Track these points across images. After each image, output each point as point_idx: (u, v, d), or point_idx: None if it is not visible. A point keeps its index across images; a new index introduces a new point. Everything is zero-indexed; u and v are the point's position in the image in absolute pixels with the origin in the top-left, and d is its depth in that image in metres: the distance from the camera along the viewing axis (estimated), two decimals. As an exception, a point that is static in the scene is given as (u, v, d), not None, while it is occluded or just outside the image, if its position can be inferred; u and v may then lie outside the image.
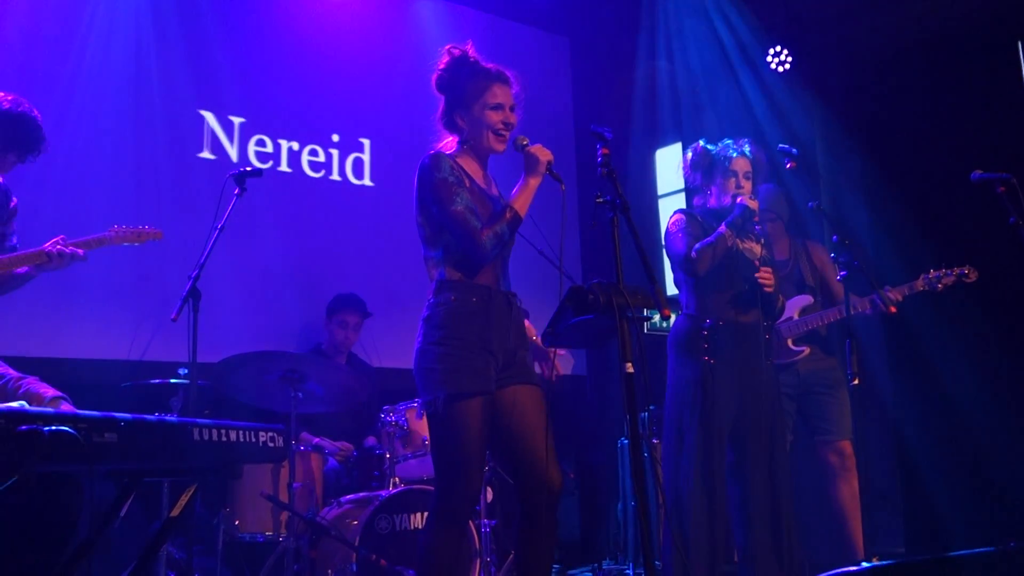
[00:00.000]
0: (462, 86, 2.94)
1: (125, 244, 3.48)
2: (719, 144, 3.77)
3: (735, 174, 3.64)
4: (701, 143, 3.79)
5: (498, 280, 2.90)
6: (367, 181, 5.66)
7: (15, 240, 3.38)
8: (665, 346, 3.67)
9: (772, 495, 3.44)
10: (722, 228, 3.50)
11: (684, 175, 3.83)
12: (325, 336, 4.98)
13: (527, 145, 2.87)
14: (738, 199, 3.56)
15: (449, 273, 2.86)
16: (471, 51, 2.98)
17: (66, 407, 2.50)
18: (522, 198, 2.86)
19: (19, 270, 3.28)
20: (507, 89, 2.94)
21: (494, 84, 2.92)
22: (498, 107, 2.90)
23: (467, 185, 2.85)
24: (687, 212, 3.73)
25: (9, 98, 3.19)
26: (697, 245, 3.48)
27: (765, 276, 3.56)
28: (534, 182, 2.86)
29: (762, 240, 3.74)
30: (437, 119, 3.05)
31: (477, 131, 2.92)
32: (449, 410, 2.74)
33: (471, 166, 2.95)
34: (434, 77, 3.02)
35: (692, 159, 3.76)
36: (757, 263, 3.61)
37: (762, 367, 3.54)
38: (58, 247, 3.24)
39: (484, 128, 2.91)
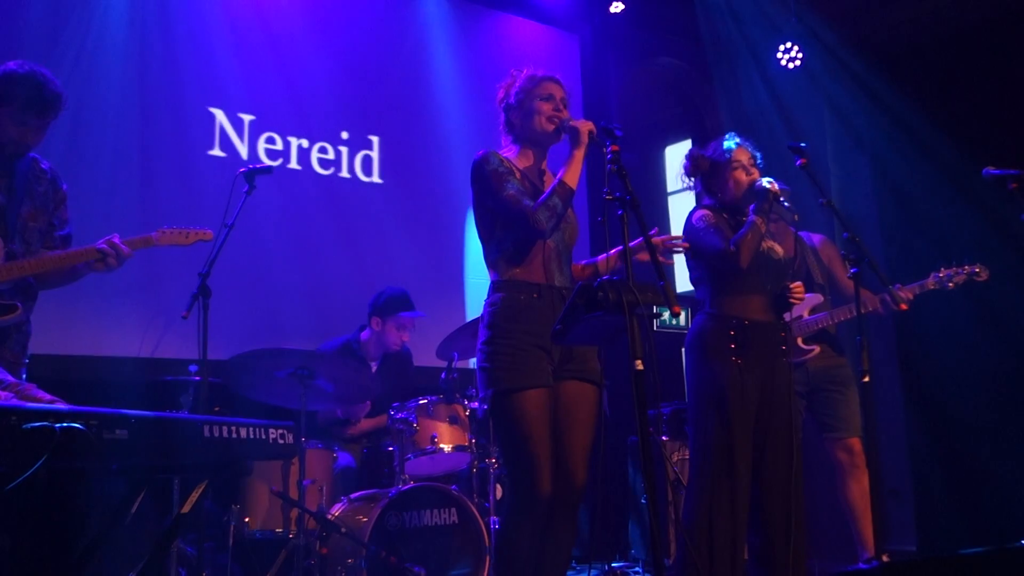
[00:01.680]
0: (516, 89, 3.10)
1: (172, 245, 3.43)
2: (708, 145, 3.71)
3: (740, 165, 3.57)
4: (692, 148, 3.74)
5: (552, 275, 2.97)
6: (376, 178, 5.66)
7: (68, 230, 3.33)
8: (674, 343, 3.64)
9: (789, 496, 3.40)
10: (752, 216, 3.42)
11: (685, 184, 3.76)
12: (367, 335, 4.87)
13: (571, 121, 2.98)
14: (756, 184, 3.49)
15: (500, 273, 2.98)
16: (527, 71, 3.16)
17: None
18: (570, 170, 2.94)
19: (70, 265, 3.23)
20: (557, 85, 3.09)
21: (543, 80, 3.08)
22: (549, 97, 3.04)
23: (517, 176, 2.98)
24: (711, 207, 3.63)
25: (14, 62, 3.12)
26: (734, 238, 3.41)
27: (798, 292, 3.52)
28: (578, 153, 2.94)
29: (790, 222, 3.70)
30: (501, 134, 3.18)
31: (528, 119, 3.05)
32: (499, 406, 2.86)
33: (526, 163, 3.08)
34: (497, 99, 3.18)
35: (688, 165, 3.69)
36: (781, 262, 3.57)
37: (783, 366, 3.50)
38: (108, 245, 3.20)
39: (534, 114, 3.03)
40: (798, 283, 3.53)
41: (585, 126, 2.92)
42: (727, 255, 3.38)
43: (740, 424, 3.36)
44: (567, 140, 2.98)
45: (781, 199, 3.44)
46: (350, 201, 5.57)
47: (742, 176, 3.55)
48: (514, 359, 2.84)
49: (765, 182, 3.46)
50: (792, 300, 3.49)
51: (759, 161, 3.67)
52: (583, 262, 3.19)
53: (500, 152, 3.08)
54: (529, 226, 2.88)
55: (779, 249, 3.60)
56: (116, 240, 3.18)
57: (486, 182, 2.95)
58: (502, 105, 3.14)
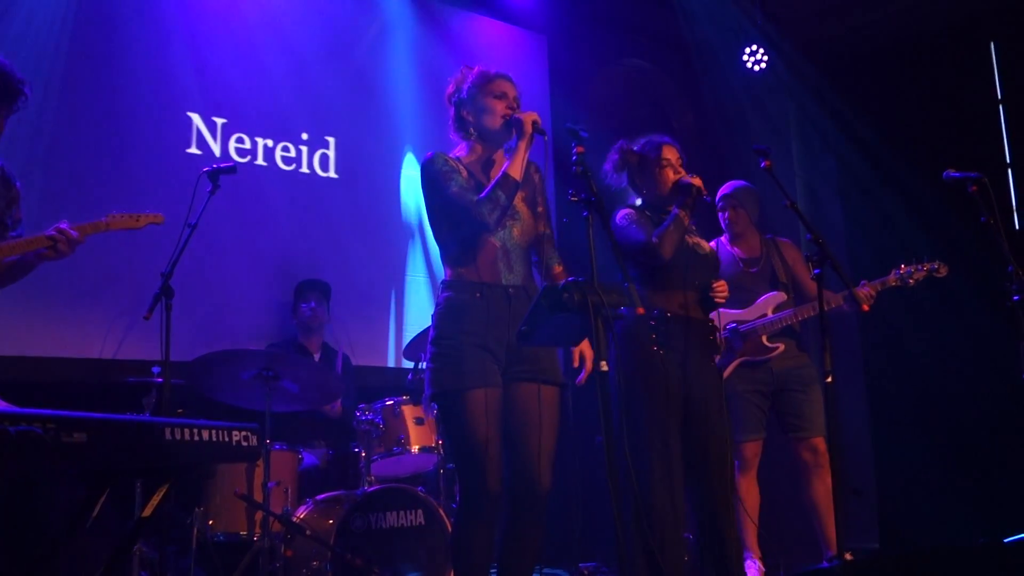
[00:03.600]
0: (468, 87, 3.08)
1: (123, 229, 3.34)
2: (637, 140, 3.69)
3: (669, 163, 3.57)
4: (621, 141, 3.70)
5: (499, 274, 2.96)
6: (332, 173, 5.74)
7: (21, 230, 3.23)
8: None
9: (718, 497, 3.38)
10: (675, 210, 3.42)
11: (608, 179, 3.69)
12: (296, 326, 4.99)
13: (516, 114, 2.97)
14: (681, 179, 3.48)
15: (449, 272, 2.99)
16: (479, 67, 3.14)
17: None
18: (513, 162, 2.92)
19: (16, 257, 3.14)
20: (510, 83, 3.08)
21: (496, 78, 3.07)
22: (502, 95, 3.04)
23: (464, 174, 2.98)
24: (634, 206, 3.63)
25: None
26: (656, 231, 3.40)
27: (720, 290, 3.49)
28: (522, 144, 2.94)
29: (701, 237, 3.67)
30: (450, 130, 3.16)
31: (481, 118, 3.04)
32: (443, 407, 2.88)
33: (475, 163, 3.07)
34: (446, 93, 3.16)
35: (618, 159, 3.66)
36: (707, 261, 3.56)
37: (710, 366, 3.49)
38: (57, 232, 3.12)
39: (488, 113, 3.03)
40: (721, 281, 3.52)
41: (529, 117, 2.91)
42: (649, 247, 3.37)
43: (663, 414, 3.31)
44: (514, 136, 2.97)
45: (704, 195, 3.47)
46: (309, 194, 5.60)
47: (670, 174, 3.55)
48: (456, 360, 2.84)
49: (690, 178, 3.47)
50: (716, 299, 3.48)
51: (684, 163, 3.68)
52: None
53: (451, 151, 3.09)
54: (473, 219, 2.88)
55: (705, 245, 3.60)
56: (64, 226, 3.11)
57: (433, 182, 2.97)
58: (452, 100, 3.13)
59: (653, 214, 3.56)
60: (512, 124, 2.97)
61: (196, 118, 5.21)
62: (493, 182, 2.91)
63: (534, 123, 2.90)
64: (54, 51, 4.71)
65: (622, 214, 3.57)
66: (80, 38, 4.83)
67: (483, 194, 2.89)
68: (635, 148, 3.65)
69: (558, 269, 3.16)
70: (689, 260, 3.48)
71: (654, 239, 3.37)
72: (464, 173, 2.98)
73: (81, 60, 4.82)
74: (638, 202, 3.74)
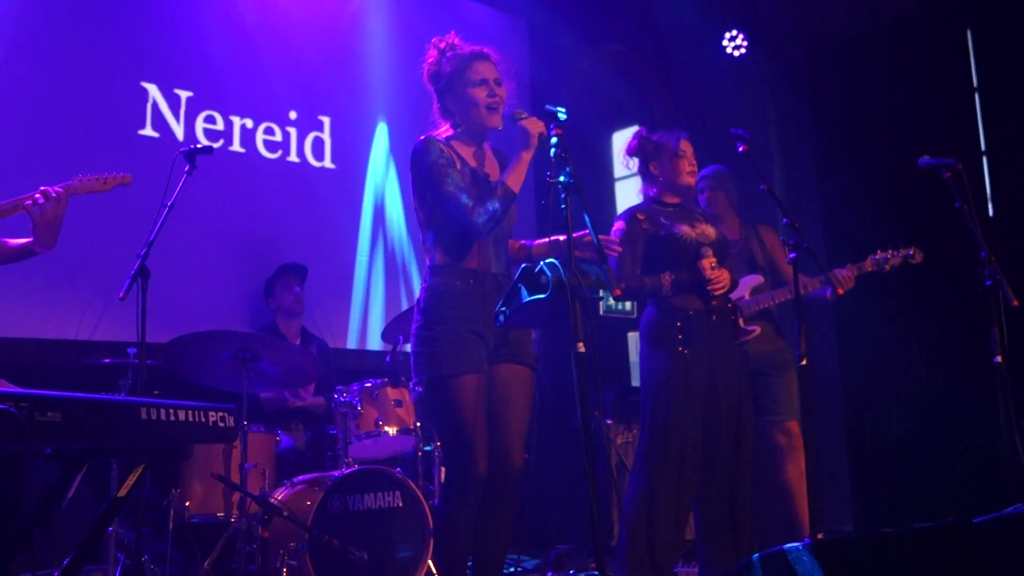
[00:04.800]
0: (446, 71, 3.03)
1: (90, 192, 3.31)
2: (656, 131, 3.75)
3: (684, 155, 3.62)
4: (641, 128, 3.75)
5: (489, 262, 2.97)
6: (328, 163, 5.48)
7: None
8: (619, 328, 3.65)
9: (734, 474, 3.46)
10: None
11: (624, 163, 3.77)
12: (273, 310, 4.95)
13: (522, 118, 2.90)
14: (705, 271, 3.46)
15: (438, 258, 2.96)
16: (454, 39, 3.07)
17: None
18: (514, 173, 2.91)
19: (12, 243, 3.15)
20: (489, 64, 3.01)
21: (474, 62, 3.00)
22: (482, 82, 2.98)
23: (458, 166, 2.92)
24: (630, 217, 3.62)
25: None
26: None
27: (718, 282, 3.50)
28: (526, 155, 2.90)
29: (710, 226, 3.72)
30: (434, 112, 3.12)
31: (466, 110, 3.00)
32: (435, 391, 2.86)
33: (465, 149, 3.03)
34: (423, 72, 3.10)
35: (635, 144, 3.70)
36: (709, 254, 3.57)
37: (733, 349, 3.56)
38: (40, 192, 3.09)
39: (472, 105, 2.98)
40: (716, 268, 3.52)
41: (536, 128, 2.85)
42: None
43: (685, 412, 3.39)
44: (516, 136, 2.91)
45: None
46: (299, 187, 5.38)
47: (685, 166, 3.62)
48: (450, 345, 2.86)
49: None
50: (713, 291, 3.49)
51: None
52: (522, 241, 3.21)
53: (440, 133, 3.05)
54: (467, 226, 2.87)
55: (711, 231, 3.65)
56: (45, 188, 3.11)
57: (426, 174, 2.92)
58: (434, 87, 3.08)
59: (653, 207, 3.62)
60: (515, 126, 2.90)
61: (153, 89, 4.82)
62: (491, 191, 2.88)
63: (540, 135, 2.84)
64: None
65: (616, 227, 3.59)
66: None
67: (479, 203, 2.86)
68: (653, 137, 3.70)
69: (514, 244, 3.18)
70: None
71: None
72: (458, 164, 2.94)
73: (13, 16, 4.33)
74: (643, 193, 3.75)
